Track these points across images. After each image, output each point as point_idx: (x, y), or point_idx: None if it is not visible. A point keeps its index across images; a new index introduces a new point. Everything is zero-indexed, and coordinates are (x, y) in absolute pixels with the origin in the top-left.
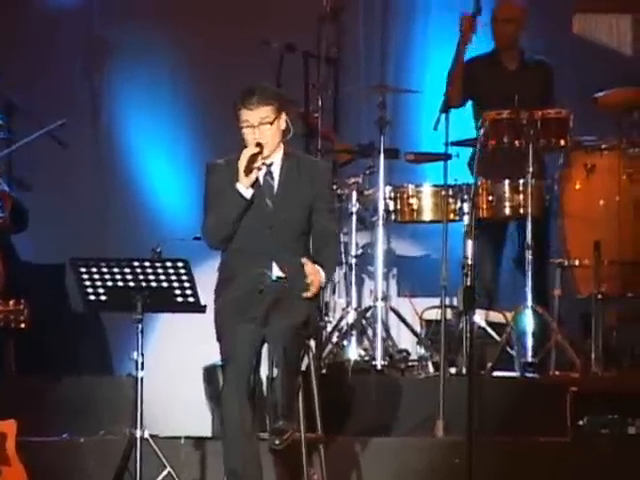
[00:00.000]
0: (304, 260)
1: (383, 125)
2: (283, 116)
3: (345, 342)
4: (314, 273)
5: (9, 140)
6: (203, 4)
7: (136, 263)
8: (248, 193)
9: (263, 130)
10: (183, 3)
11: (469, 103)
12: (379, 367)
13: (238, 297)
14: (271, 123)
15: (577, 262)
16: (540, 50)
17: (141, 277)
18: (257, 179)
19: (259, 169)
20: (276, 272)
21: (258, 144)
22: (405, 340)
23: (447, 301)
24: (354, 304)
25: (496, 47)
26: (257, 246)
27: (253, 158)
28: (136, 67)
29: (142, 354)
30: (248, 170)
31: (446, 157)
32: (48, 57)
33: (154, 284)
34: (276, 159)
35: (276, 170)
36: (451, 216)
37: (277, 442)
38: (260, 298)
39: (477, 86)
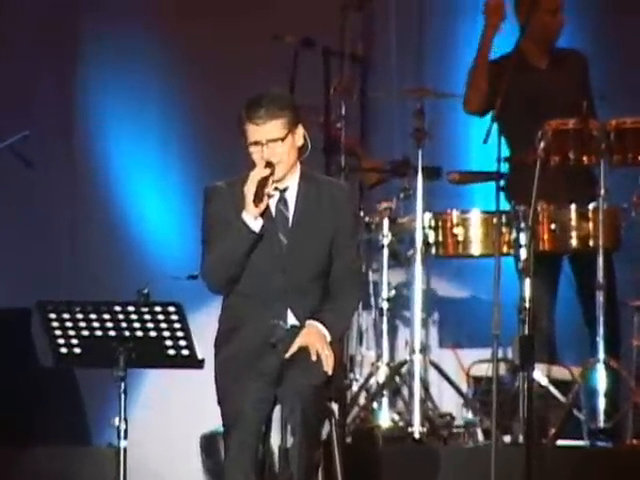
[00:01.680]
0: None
1: (421, 138)
2: (299, 130)
3: (375, 404)
4: (311, 343)
5: None
6: None
7: (118, 307)
8: (257, 225)
9: (274, 148)
10: None
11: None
12: (417, 435)
13: (244, 350)
14: (283, 139)
15: None
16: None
17: (124, 325)
18: (268, 207)
19: (270, 196)
20: (291, 321)
21: (268, 164)
22: (448, 402)
23: (500, 353)
24: (386, 358)
25: (524, 44)
26: (268, 290)
27: (263, 182)
28: (117, 72)
29: (126, 420)
30: (257, 198)
31: (498, 177)
32: (8, 57)
33: (140, 333)
34: (291, 183)
35: (291, 197)
36: (505, 249)
37: None
38: (272, 352)
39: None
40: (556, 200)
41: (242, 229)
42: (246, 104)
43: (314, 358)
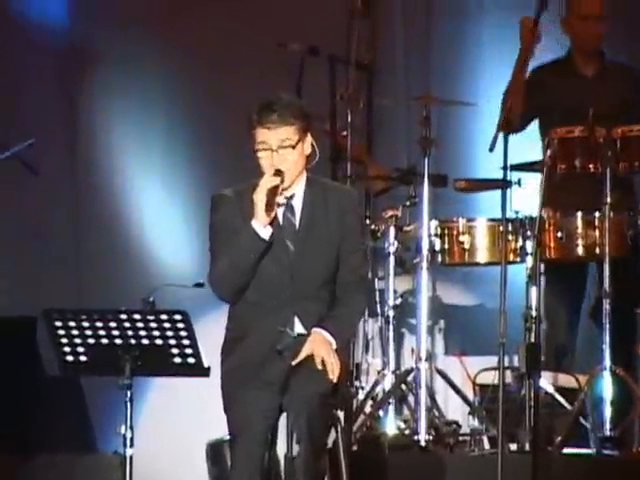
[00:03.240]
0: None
1: (427, 145)
2: (308, 138)
3: (381, 412)
4: (316, 352)
5: None
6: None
7: (124, 315)
8: (266, 233)
9: (284, 155)
10: (180, 2)
11: (535, 123)
12: (423, 443)
13: (251, 359)
14: (293, 147)
15: None
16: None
17: (130, 333)
18: (275, 215)
19: (280, 205)
20: (298, 328)
21: (277, 172)
22: (454, 410)
23: (506, 361)
24: (392, 366)
25: (573, 51)
26: (275, 297)
27: (273, 190)
28: (123, 80)
29: (132, 428)
30: (269, 206)
31: (505, 184)
32: (16, 68)
33: (146, 341)
34: (298, 190)
35: (298, 204)
36: (511, 257)
37: None
38: (278, 359)
39: (546, 99)
40: (563, 208)
41: (252, 237)
42: (258, 108)
43: (320, 366)
